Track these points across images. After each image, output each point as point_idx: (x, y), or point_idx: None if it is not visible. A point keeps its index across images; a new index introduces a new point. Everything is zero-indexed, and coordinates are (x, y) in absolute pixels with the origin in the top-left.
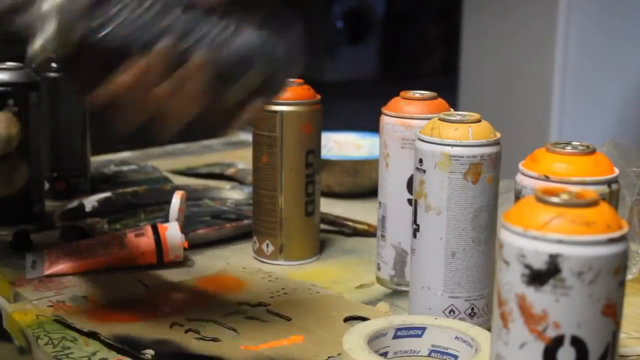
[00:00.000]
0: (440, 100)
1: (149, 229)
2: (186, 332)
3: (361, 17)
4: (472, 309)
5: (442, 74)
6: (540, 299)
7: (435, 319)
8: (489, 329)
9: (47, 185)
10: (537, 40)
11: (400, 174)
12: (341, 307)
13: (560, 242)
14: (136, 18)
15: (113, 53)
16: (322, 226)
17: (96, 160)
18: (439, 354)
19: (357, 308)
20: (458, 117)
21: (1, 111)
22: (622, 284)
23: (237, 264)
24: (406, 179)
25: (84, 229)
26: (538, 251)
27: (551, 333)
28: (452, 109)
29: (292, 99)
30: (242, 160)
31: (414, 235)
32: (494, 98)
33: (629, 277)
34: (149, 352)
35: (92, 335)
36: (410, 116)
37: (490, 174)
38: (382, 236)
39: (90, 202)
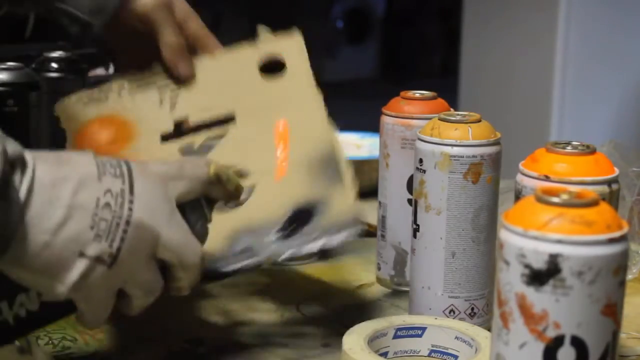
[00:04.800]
0: (440, 100)
1: None
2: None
3: (361, 17)
4: (472, 309)
5: (442, 74)
6: (540, 298)
7: (435, 319)
8: (489, 329)
9: None
10: (537, 40)
11: (400, 174)
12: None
13: (560, 242)
14: None
15: None
16: None
17: None
18: (439, 354)
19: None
20: (458, 117)
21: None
22: (622, 284)
23: None
24: (406, 179)
25: None
26: (538, 251)
27: (551, 333)
28: (452, 109)
29: None
30: None
31: (414, 235)
32: (494, 98)
33: (629, 277)
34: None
35: (92, 335)
36: (410, 116)
37: (490, 174)
38: (382, 236)
39: None
